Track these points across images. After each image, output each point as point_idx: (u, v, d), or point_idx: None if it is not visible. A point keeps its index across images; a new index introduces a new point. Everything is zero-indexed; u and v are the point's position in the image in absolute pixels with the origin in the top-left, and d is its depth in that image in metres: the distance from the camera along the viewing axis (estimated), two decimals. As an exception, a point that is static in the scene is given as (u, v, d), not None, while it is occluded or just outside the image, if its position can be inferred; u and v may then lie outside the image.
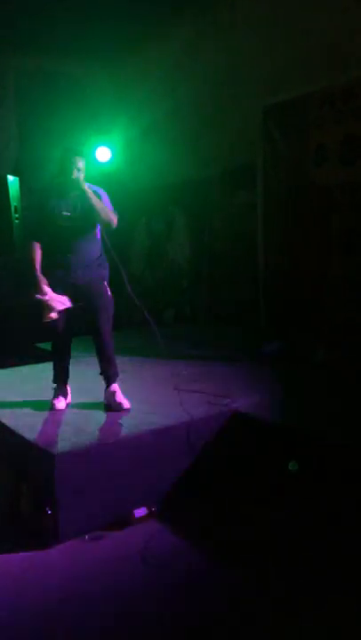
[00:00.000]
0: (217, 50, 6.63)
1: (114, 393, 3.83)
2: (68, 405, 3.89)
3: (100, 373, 3.89)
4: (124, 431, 3.44)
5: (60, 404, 3.84)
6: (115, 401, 3.77)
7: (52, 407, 3.80)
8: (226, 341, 5.89)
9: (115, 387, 3.86)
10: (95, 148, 7.82)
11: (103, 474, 3.16)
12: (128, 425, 3.51)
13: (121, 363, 4.03)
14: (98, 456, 3.20)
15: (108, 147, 7.87)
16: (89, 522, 3.07)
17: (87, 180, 3.82)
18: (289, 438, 3.35)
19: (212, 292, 7.10)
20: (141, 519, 3.15)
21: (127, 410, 3.73)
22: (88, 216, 3.74)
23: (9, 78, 7.87)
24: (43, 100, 7.67)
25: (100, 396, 3.94)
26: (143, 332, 6.86)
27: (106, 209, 3.78)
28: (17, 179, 6.27)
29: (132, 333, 6.61)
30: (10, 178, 6.19)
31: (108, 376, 3.87)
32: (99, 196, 3.80)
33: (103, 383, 3.90)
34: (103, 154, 7.85)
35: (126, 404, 3.77)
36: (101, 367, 3.88)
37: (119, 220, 3.87)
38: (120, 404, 3.75)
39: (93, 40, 7.23)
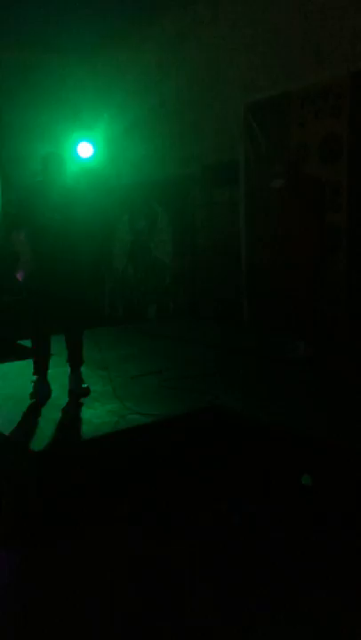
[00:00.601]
0: (199, 47, 6.63)
1: (81, 378, 4.08)
2: (48, 397, 3.96)
3: (68, 360, 4.09)
4: (107, 428, 3.45)
5: (41, 395, 3.94)
6: (81, 386, 4.05)
7: (32, 399, 3.90)
8: (208, 337, 5.92)
9: (80, 372, 4.10)
10: (77, 144, 7.79)
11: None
12: (111, 421, 3.52)
13: (104, 360, 4.04)
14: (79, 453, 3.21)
15: (91, 143, 7.84)
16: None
17: (68, 175, 3.93)
18: (271, 437, 3.38)
19: (194, 289, 7.12)
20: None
21: (87, 393, 4.00)
22: (69, 218, 3.85)
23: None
24: (24, 95, 7.60)
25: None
26: (124, 328, 6.90)
27: None
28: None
29: (114, 329, 6.62)
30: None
31: (76, 362, 4.08)
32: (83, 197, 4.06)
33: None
34: (85, 150, 7.82)
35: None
36: (70, 354, 4.08)
37: (102, 216, 3.96)
38: (87, 388, 4.06)
39: (76, 35, 7.19)
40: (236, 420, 3.59)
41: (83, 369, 4.19)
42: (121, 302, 8.36)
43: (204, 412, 3.68)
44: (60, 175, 3.91)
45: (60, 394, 4.06)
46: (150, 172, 7.51)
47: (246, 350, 5.27)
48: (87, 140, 7.78)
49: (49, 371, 4.09)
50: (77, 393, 4.01)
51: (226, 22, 6.28)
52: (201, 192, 6.85)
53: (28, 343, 4.58)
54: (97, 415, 3.63)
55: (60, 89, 7.80)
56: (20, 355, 5.14)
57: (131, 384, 4.32)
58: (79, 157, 7.81)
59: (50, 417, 3.64)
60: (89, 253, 7.81)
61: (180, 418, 3.60)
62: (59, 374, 4.23)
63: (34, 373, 4.02)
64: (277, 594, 2.34)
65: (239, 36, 6.09)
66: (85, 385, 4.09)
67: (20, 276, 3.84)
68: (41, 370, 4.02)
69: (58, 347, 4.21)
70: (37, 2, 6.41)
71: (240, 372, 4.65)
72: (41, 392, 3.95)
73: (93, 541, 2.80)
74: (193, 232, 7.06)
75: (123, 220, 8.14)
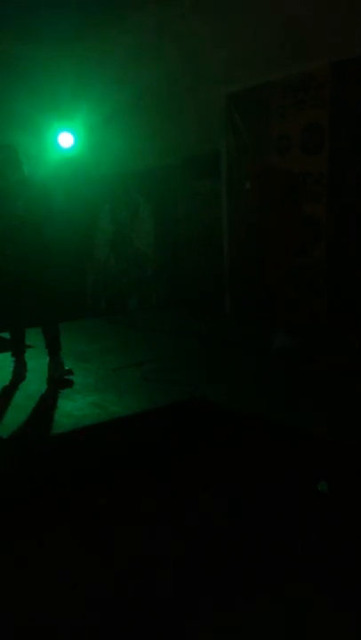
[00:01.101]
0: (179, 37, 6.57)
1: (60, 363, 4.27)
2: (24, 376, 4.25)
3: (46, 347, 4.28)
4: (88, 420, 3.43)
5: (20, 373, 4.24)
6: (62, 369, 4.25)
7: (13, 376, 4.20)
8: (190, 329, 5.92)
9: (59, 358, 4.29)
10: (58, 134, 7.71)
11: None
12: (92, 414, 3.51)
13: (85, 352, 4.04)
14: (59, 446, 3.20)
15: (71, 132, 7.76)
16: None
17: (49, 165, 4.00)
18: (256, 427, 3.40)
19: (176, 280, 7.10)
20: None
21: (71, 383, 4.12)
22: (32, 212, 4.08)
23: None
24: (4, 86, 7.48)
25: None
26: (107, 321, 6.87)
27: None
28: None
29: (96, 322, 6.59)
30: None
31: (54, 349, 4.27)
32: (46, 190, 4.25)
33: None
34: (66, 139, 7.75)
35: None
36: (47, 341, 4.27)
37: (82, 206, 4.11)
38: (68, 370, 4.28)
39: (55, 25, 7.08)
40: (217, 411, 3.60)
41: (64, 360, 4.29)
42: (103, 294, 8.32)
43: (185, 404, 3.69)
44: (16, 168, 4.12)
45: (41, 386, 4.04)
46: (131, 162, 7.45)
47: (228, 342, 5.28)
48: (68, 130, 7.71)
49: (31, 363, 4.29)
50: (57, 378, 4.17)
51: (206, 12, 6.22)
52: (183, 183, 6.81)
53: (6, 335, 4.57)
54: (78, 407, 3.62)
55: (40, 79, 7.69)
56: (1, 347, 5.10)
57: (112, 376, 4.31)
58: (60, 147, 7.74)
59: (31, 409, 3.62)
60: (70, 243, 7.77)
61: (162, 410, 3.60)
62: (41, 365, 4.23)
63: (12, 355, 4.31)
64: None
65: (220, 26, 6.05)
66: (67, 368, 4.29)
67: None
68: (18, 352, 4.31)
69: (37, 339, 4.26)
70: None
71: (222, 363, 4.66)
72: (18, 371, 4.25)
73: (71, 535, 2.79)
74: (175, 223, 7.03)
75: (104, 210, 8.08)
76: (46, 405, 3.69)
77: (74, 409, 3.60)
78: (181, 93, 6.65)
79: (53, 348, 4.27)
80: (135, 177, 7.49)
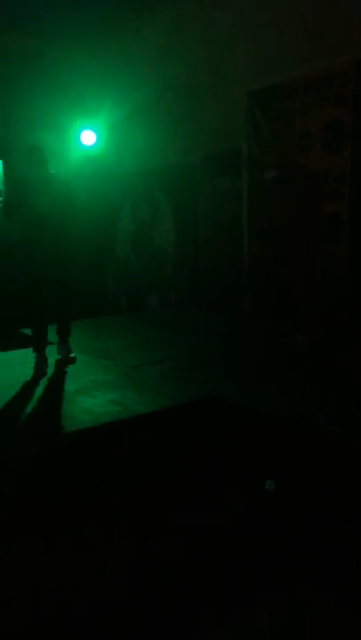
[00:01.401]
0: (202, 34, 6.57)
1: (69, 348, 4.59)
2: (45, 372, 4.34)
3: (57, 332, 4.57)
4: (109, 417, 3.47)
5: (40, 369, 4.32)
6: (70, 355, 4.57)
7: (34, 372, 4.28)
8: (210, 327, 5.93)
9: (68, 342, 4.60)
10: (80, 132, 7.77)
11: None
12: (112, 411, 3.55)
13: (105, 349, 4.08)
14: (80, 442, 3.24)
15: (94, 130, 7.82)
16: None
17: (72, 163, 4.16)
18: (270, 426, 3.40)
19: (196, 278, 7.11)
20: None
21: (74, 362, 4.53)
22: (54, 210, 4.23)
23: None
24: (27, 83, 7.56)
25: (83, 383, 4.00)
26: (127, 319, 6.91)
27: None
28: (0, 162, 6.20)
29: (117, 320, 6.63)
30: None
31: (64, 333, 4.58)
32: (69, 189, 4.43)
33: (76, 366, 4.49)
34: (88, 137, 7.80)
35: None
36: (59, 326, 4.57)
37: (104, 204, 4.24)
38: (74, 357, 4.57)
39: (79, 22, 7.13)
40: (234, 410, 3.61)
41: (84, 357, 4.50)
42: (123, 291, 8.37)
43: (203, 402, 3.71)
44: (43, 166, 4.31)
45: (62, 382, 4.09)
46: (152, 160, 7.48)
47: (247, 340, 5.28)
48: (90, 128, 7.76)
49: (52, 360, 4.38)
50: (65, 361, 4.52)
51: (230, 8, 6.20)
52: (203, 181, 6.82)
53: (29, 331, 4.65)
54: (98, 404, 3.66)
55: (63, 77, 7.75)
56: (23, 343, 5.17)
57: (132, 373, 4.34)
58: (82, 145, 7.80)
59: (51, 405, 3.68)
60: (92, 241, 7.83)
61: (181, 407, 3.62)
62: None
63: (34, 351, 4.41)
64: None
65: (243, 23, 6.03)
66: (73, 354, 4.58)
67: None
68: (39, 346, 4.41)
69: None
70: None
71: (240, 362, 4.67)
72: (39, 366, 4.33)
73: (92, 532, 2.83)
74: (195, 221, 7.04)
75: (125, 208, 8.12)
76: (67, 402, 3.73)
77: (94, 405, 3.64)
78: (203, 91, 6.66)
79: (63, 333, 4.59)
80: (156, 174, 7.51)
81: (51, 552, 2.55)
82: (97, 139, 7.84)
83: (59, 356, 4.59)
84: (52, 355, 4.51)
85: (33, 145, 4.43)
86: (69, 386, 4.04)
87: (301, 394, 3.80)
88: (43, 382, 4.16)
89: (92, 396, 3.82)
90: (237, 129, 6.10)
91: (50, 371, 4.37)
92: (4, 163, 6.16)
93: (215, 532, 2.68)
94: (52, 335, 4.60)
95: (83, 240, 5.57)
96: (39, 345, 4.40)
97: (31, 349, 4.44)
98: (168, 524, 2.77)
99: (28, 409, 3.64)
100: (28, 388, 4.02)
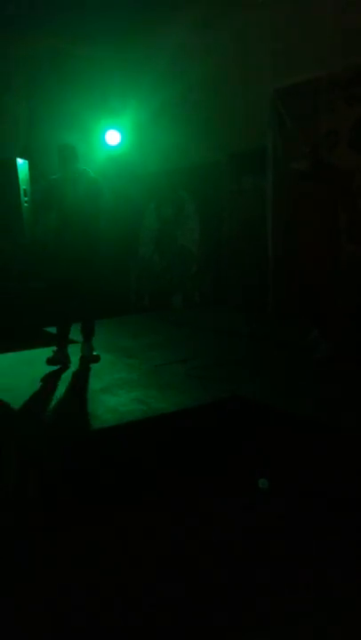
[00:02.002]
0: (227, 33, 6.54)
1: (92, 347, 4.57)
2: (66, 364, 4.40)
3: (81, 331, 4.56)
4: (133, 415, 3.47)
5: (60, 361, 4.38)
6: (93, 354, 4.54)
7: (49, 364, 4.33)
8: (234, 326, 5.90)
9: (91, 342, 4.60)
10: (105, 132, 7.80)
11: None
12: (135, 409, 3.55)
13: (129, 348, 4.08)
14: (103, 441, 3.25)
15: (118, 130, 7.85)
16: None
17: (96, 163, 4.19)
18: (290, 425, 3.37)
19: (220, 278, 7.09)
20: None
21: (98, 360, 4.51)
22: (80, 210, 4.29)
23: (19, 61, 7.82)
24: (53, 83, 7.63)
25: (107, 381, 4.01)
26: (150, 318, 6.92)
27: None
28: (26, 162, 6.24)
29: (140, 319, 6.64)
30: (19, 161, 6.17)
31: (88, 332, 4.56)
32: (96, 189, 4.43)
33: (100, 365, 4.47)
34: (113, 137, 7.84)
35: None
36: (83, 325, 4.57)
37: (128, 204, 4.27)
38: (97, 356, 4.54)
39: (103, 22, 7.16)
40: (258, 410, 3.58)
41: (108, 356, 4.50)
42: (147, 290, 8.39)
43: (227, 402, 3.69)
44: (72, 164, 4.35)
45: (86, 381, 4.10)
46: (177, 159, 7.47)
47: (271, 340, 5.24)
48: (115, 128, 7.79)
49: (74, 359, 4.41)
50: (89, 359, 4.50)
51: (255, 7, 6.17)
52: (228, 179, 6.79)
53: (53, 330, 4.67)
54: (122, 403, 3.66)
55: (89, 77, 7.80)
56: (47, 341, 5.21)
57: (155, 372, 4.34)
58: (107, 145, 7.83)
59: (76, 403, 3.69)
60: (115, 240, 7.86)
61: (205, 407, 3.61)
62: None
63: (56, 345, 4.44)
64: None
65: (269, 21, 5.99)
66: (96, 353, 4.55)
67: None
68: (62, 343, 4.46)
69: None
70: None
71: (264, 362, 4.63)
72: (60, 359, 4.37)
73: (119, 529, 2.83)
74: (220, 220, 7.02)
75: (149, 208, 8.14)
76: (91, 400, 3.74)
77: (118, 404, 3.64)
78: (228, 90, 6.63)
79: (88, 335, 4.59)
80: (181, 173, 7.50)
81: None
82: (121, 138, 7.87)
83: (82, 355, 4.61)
84: (74, 354, 4.53)
85: (65, 143, 4.49)
86: (93, 384, 4.05)
87: (326, 394, 3.75)
88: (66, 380, 4.17)
89: (116, 395, 3.82)
90: (263, 127, 6.06)
91: (73, 368, 4.38)
92: (29, 163, 6.19)
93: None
94: (76, 334, 4.63)
95: (107, 239, 5.58)
96: (61, 342, 4.47)
97: (53, 347, 4.47)
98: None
99: (52, 407, 3.66)
100: (52, 385, 4.04)
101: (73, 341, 4.62)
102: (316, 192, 4.54)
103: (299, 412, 3.42)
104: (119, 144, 7.88)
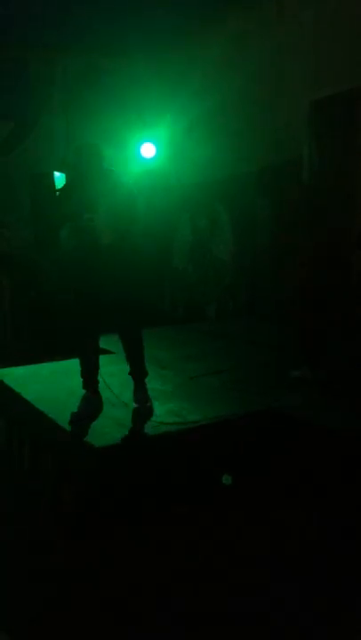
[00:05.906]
0: (263, 45, 6.55)
1: (146, 394, 3.76)
2: (98, 412, 3.70)
3: (130, 374, 3.79)
4: (163, 428, 3.46)
5: (85, 411, 3.64)
6: (146, 404, 3.73)
7: (75, 417, 3.57)
8: (268, 339, 5.86)
9: (144, 385, 3.77)
10: (140, 145, 7.89)
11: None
12: (170, 421, 3.54)
13: (163, 359, 4.06)
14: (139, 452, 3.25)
15: (153, 143, 7.93)
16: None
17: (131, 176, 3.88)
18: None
19: (254, 289, 7.06)
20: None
21: (150, 410, 3.68)
22: (114, 224, 3.43)
23: (57, 77, 8.00)
24: (89, 98, 7.76)
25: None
26: (185, 329, 6.93)
27: None
28: (63, 175, 6.36)
29: (174, 330, 6.65)
30: (56, 174, 6.29)
31: (138, 373, 3.77)
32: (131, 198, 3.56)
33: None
34: (148, 150, 7.91)
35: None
36: (131, 365, 3.77)
37: (162, 216, 3.87)
38: (150, 407, 3.72)
39: (138, 37, 7.26)
40: (294, 423, 3.55)
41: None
42: (181, 302, 8.40)
43: (263, 415, 3.66)
44: (98, 166, 3.49)
45: (122, 390, 4.09)
46: (212, 171, 7.50)
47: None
48: (150, 141, 7.87)
49: (110, 368, 4.02)
50: (143, 408, 3.71)
51: (291, 18, 6.17)
52: (262, 191, 6.77)
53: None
54: (156, 414, 3.67)
55: (125, 91, 7.92)
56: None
57: (190, 384, 4.34)
58: (142, 158, 7.92)
59: (111, 414, 3.70)
60: (150, 252, 7.92)
61: (240, 420, 3.59)
62: (120, 371, 4.26)
63: (83, 387, 3.71)
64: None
65: (304, 33, 5.98)
66: (149, 404, 3.74)
67: None
68: (90, 383, 3.70)
69: (116, 346, 4.07)
70: (103, 7, 6.53)
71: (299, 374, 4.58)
72: (83, 408, 3.63)
73: (152, 539, 2.83)
74: (254, 231, 7.00)
75: (184, 219, 8.17)
76: (126, 412, 3.75)
77: (153, 416, 3.65)
78: (263, 102, 6.63)
79: (139, 376, 3.74)
80: (215, 186, 7.52)
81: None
82: (156, 151, 7.94)
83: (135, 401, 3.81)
84: (109, 364, 4.40)
85: (82, 143, 3.71)
86: (128, 395, 4.05)
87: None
88: (101, 391, 4.17)
89: (151, 406, 3.83)
90: (298, 139, 6.04)
91: (108, 380, 3.94)
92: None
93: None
94: (109, 343, 4.35)
95: (142, 252, 5.56)
96: (90, 379, 3.70)
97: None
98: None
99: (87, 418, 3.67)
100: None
101: (108, 351, 4.51)
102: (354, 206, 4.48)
103: (338, 426, 3.37)
104: (154, 157, 7.95)
